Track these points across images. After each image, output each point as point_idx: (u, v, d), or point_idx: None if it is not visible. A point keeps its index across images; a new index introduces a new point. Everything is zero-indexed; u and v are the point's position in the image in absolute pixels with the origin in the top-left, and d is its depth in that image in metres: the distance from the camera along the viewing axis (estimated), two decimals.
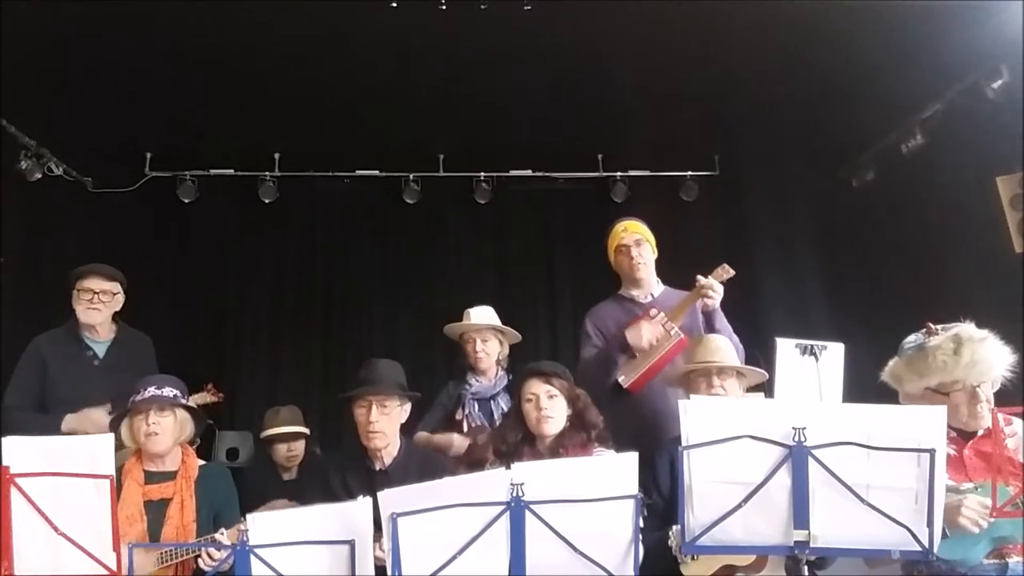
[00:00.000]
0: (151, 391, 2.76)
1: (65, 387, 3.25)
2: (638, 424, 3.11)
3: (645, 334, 3.22)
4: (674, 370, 3.04)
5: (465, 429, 3.41)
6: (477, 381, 3.52)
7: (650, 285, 3.45)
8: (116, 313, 3.44)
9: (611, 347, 3.33)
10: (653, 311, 3.25)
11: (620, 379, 3.28)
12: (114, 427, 2.81)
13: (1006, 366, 2.35)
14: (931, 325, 2.43)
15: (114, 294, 3.39)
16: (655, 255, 3.47)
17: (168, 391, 2.79)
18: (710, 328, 3.17)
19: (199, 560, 2.48)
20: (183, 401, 2.84)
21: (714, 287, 3.17)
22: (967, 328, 2.38)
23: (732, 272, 3.20)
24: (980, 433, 2.35)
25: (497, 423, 3.35)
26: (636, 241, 3.41)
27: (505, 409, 3.39)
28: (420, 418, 3.44)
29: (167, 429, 2.75)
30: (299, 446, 4.02)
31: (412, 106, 4.91)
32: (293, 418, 4.08)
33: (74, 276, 3.36)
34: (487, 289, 5.81)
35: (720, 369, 2.84)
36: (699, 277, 3.26)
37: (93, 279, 3.34)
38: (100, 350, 3.39)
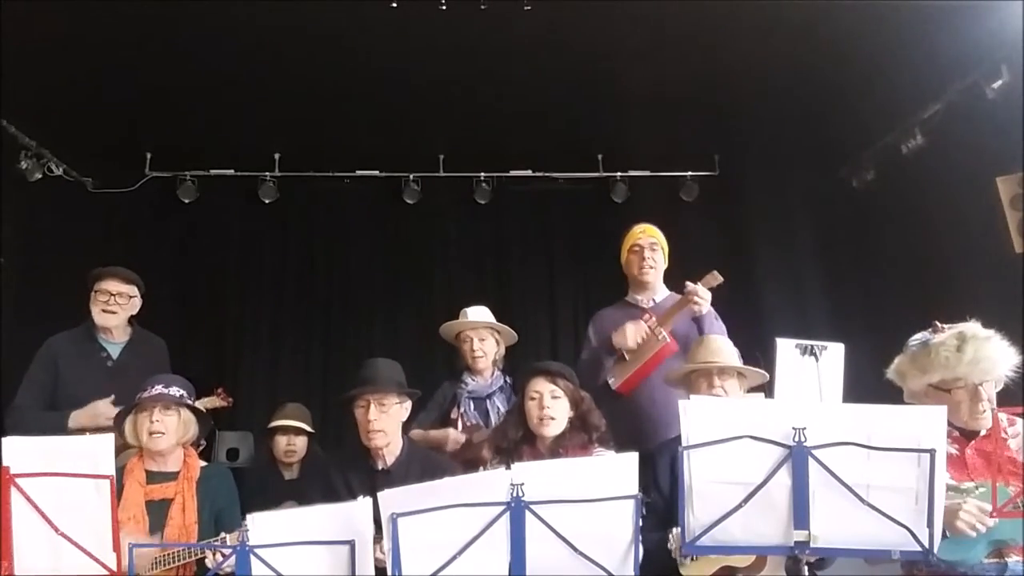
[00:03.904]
0: (158, 389, 2.79)
1: (76, 385, 3.25)
2: (627, 426, 3.15)
3: (630, 335, 3.30)
4: (675, 370, 3.05)
5: (460, 428, 3.41)
6: (473, 380, 3.52)
7: (655, 290, 3.52)
8: (132, 316, 3.44)
9: (600, 349, 3.40)
10: (646, 316, 3.32)
11: (610, 380, 3.34)
12: (118, 424, 2.81)
13: (1010, 366, 2.35)
14: (938, 323, 2.44)
15: (131, 297, 3.39)
16: (666, 264, 3.55)
17: (175, 391, 2.81)
18: (701, 332, 3.22)
19: (206, 561, 2.48)
20: (189, 402, 2.85)
21: (699, 293, 3.24)
22: (972, 326, 2.38)
23: (720, 279, 3.28)
24: (983, 433, 2.34)
25: (492, 423, 3.36)
26: (651, 244, 3.49)
27: (501, 409, 3.41)
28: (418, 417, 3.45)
29: (171, 428, 2.76)
30: (299, 441, 4.04)
31: (412, 106, 4.90)
32: (297, 414, 4.10)
33: (92, 277, 3.37)
34: (487, 289, 5.81)
35: (721, 369, 2.86)
36: (687, 284, 3.33)
37: (110, 281, 3.35)
38: (114, 351, 3.40)
